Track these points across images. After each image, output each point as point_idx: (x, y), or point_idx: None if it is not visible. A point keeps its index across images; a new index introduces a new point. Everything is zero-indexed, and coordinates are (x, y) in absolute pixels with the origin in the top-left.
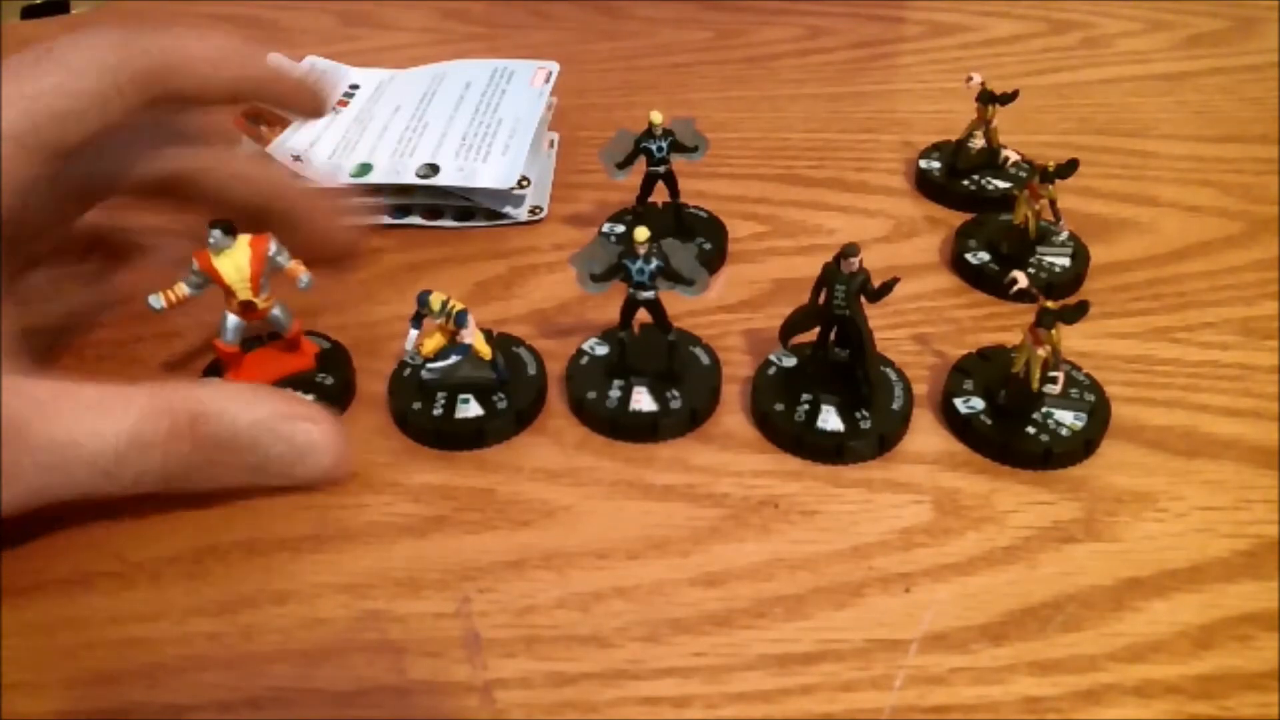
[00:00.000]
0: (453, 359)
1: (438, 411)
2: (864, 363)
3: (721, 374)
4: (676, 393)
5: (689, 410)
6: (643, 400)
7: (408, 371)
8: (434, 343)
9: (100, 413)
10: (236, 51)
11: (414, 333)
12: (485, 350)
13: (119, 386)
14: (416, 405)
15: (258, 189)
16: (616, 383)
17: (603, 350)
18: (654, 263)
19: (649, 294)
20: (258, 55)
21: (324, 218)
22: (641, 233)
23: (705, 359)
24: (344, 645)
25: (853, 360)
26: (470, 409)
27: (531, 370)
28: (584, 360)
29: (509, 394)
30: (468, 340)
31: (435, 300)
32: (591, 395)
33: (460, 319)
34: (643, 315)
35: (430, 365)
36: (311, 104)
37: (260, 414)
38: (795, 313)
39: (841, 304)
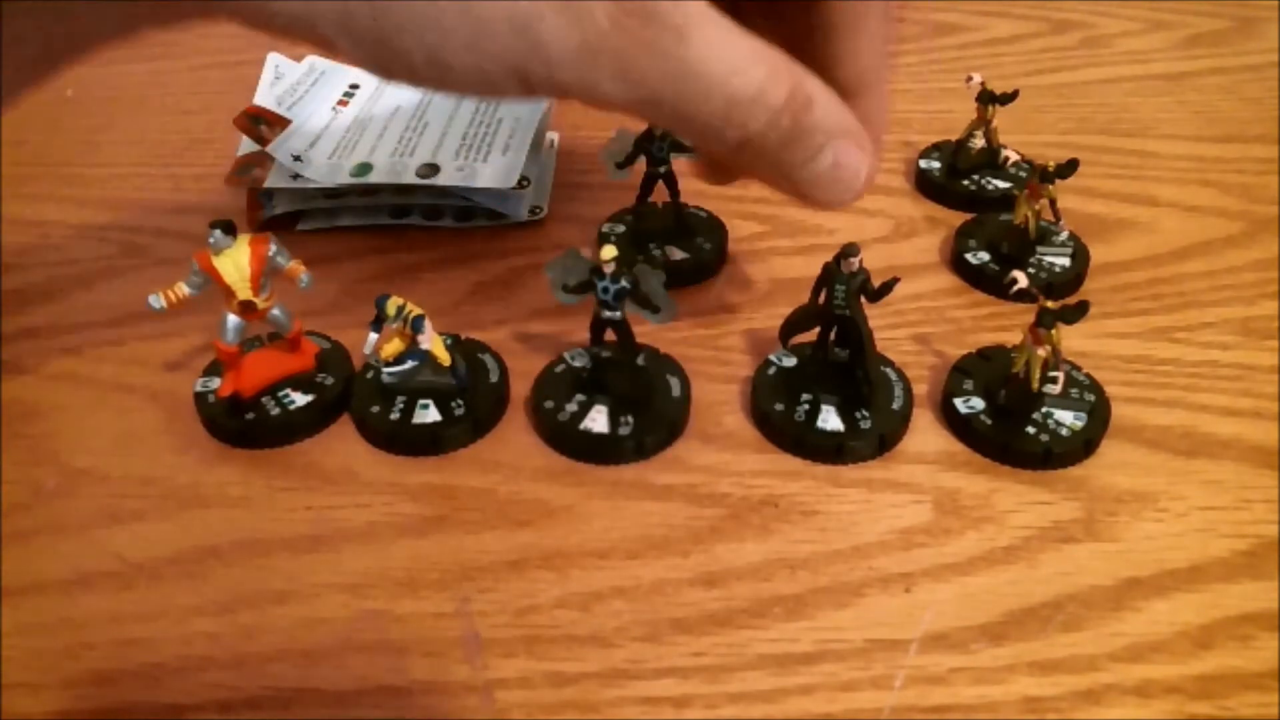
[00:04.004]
0: (409, 364)
1: (395, 415)
2: (864, 363)
3: (689, 408)
4: (630, 419)
5: (636, 441)
6: (598, 420)
7: (370, 374)
8: (393, 347)
9: (743, 50)
10: None
11: (373, 336)
12: (443, 356)
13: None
14: (375, 408)
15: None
16: (578, 398)
17: (580, 362)
18: (621, 283)
19: (614, 314)
20: None
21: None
22: (608, 251)
23: (676, 389)
24: (343, 645)
25: (853, 360)
26: (429, 414)
27: (494, 377)
28: (559, 368)
29: (468, 401)
30: (425, 346)
31: (391, 305)
32: (549, 405)
33: (416, 324)
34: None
35: (388, 370)
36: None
37: (848, 123)
38: (795, 313)
39: (841, 304)
